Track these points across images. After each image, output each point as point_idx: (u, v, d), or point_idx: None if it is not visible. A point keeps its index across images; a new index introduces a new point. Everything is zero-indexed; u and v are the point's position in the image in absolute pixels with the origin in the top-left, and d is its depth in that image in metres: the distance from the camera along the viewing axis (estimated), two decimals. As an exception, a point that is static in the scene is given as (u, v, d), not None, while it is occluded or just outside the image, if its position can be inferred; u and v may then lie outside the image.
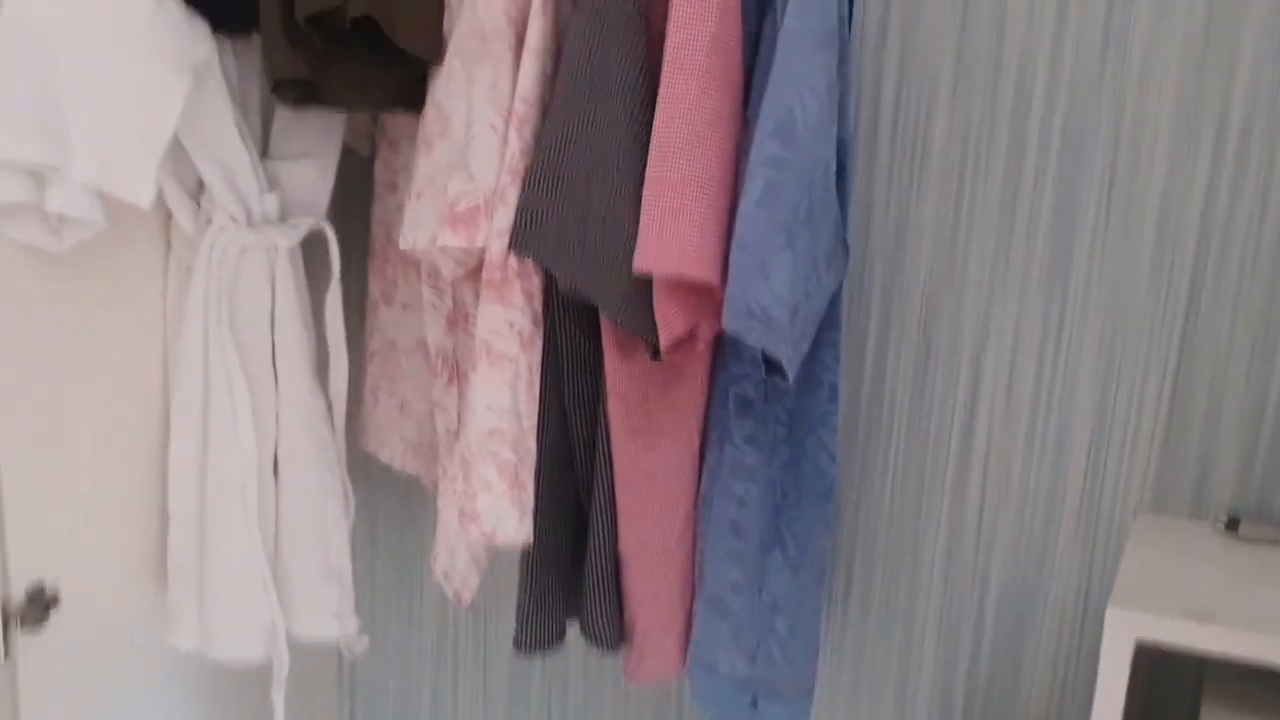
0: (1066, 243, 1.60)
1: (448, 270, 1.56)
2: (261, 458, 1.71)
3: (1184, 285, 1.56)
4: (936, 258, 1.66)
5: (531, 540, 1.60)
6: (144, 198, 1.46)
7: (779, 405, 1.59)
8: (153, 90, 1.45)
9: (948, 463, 1.72)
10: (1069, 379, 1.64)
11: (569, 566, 1.70)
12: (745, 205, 1.37)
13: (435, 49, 1.52)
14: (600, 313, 1.50)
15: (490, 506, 1.57)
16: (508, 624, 2.09)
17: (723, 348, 1.56)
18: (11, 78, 1.38)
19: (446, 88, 1.51)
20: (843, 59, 1.43)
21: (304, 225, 1.70)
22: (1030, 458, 1.68)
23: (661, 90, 1.37)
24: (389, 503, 2.13)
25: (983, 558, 1.73)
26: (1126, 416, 1.62)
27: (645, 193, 1.37)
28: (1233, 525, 1.56)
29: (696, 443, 1.60)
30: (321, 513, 1.78)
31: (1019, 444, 1.68)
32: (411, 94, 1.58)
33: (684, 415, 1.58)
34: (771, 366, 1.46)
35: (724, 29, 1.37)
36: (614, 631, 1.67)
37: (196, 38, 1.47)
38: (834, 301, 1.54)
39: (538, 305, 1.54)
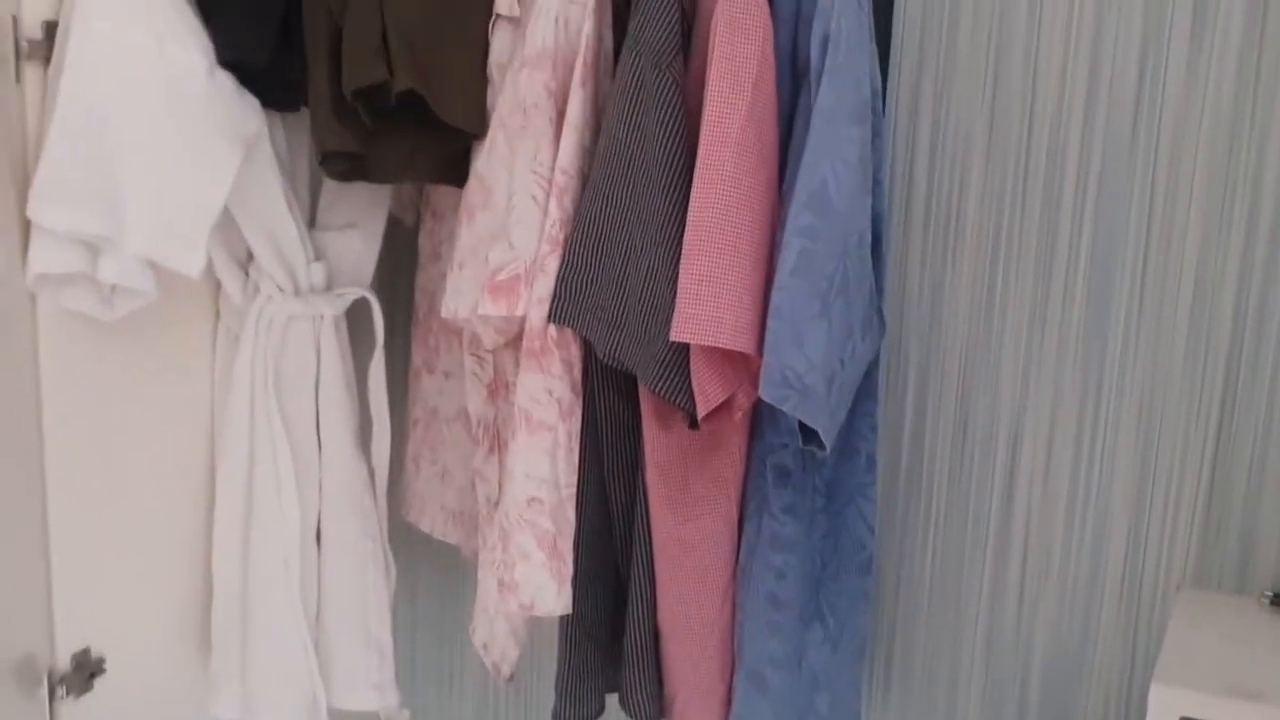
0: (1102, 314, 1.60)
1: (489, 339, 1.58)
2: (304, 526, 1.73)
3: (1221, 357, 1.56)
4: (972, 330, 1.67)
5: (570, 612, 1.60)
6: (194, 268, 1.49)
7: (817, 475, 1.59)
8: (204, 163, 1.49)
9: (988, 537, 1.71)
10: (1108, 452, 1.63)
11: (609, 639, 1.70)
12: (780, 274, 1.38)
13: (479, 123, 1.56)
14: (639, 382, 1.52)
15: (529, 577, 1.57)
16: (548, 696, 2.08)
17: (760, 417, 1.57)
18: (68, 150, 1.42)
19: (489, 160, 1.54)
20: (876, 133, 1.45)
21: (349, 294, 1.73)
22: (1071, 532, 1.66)
23: (698, 162, 1.39)
24: (429, 573, 2.14)
25: (1025, 634, 1.72)
26: (1167, 491, 1.61)
27: (682, 263, 1.39)
28: (1277, 601, 1.54)
29: (735, 513, 1.60)
30: (363, 582, 1.79)
31: (1059, 518, 1.67)
32: (455, 167, 1.61)
33: (722, 485, 1.59)
34: (808, 436, 1.46)
35: (759, 103, 1.39)
36: (653, 705, 1.67)
37: (247, 112, 1.51)
38: (870, 372, 1.55)
39: (577, 374, 1.56)
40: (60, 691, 1.57)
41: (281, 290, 1.66)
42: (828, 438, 1.42)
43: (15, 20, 1.43)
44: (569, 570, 1.59)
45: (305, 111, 1.56)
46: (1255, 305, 1.53)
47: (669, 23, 1.42)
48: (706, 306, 1.38)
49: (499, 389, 1.67)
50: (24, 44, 1.43)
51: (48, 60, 1.45)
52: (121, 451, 1.62)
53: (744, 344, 1.39)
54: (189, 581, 1.74)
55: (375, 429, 1.79)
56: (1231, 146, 1.52)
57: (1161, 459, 1.60)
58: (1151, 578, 1.63)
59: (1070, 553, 1.67)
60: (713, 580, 1.60)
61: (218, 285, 1.70)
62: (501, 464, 1.69)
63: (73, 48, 1.40)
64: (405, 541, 1.99)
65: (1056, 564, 1.68)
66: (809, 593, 1.61)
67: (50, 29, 1.45)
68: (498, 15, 1.55)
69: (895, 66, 1.64)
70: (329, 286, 1.72)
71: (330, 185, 1.71)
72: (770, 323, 1.39)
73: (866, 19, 1.41)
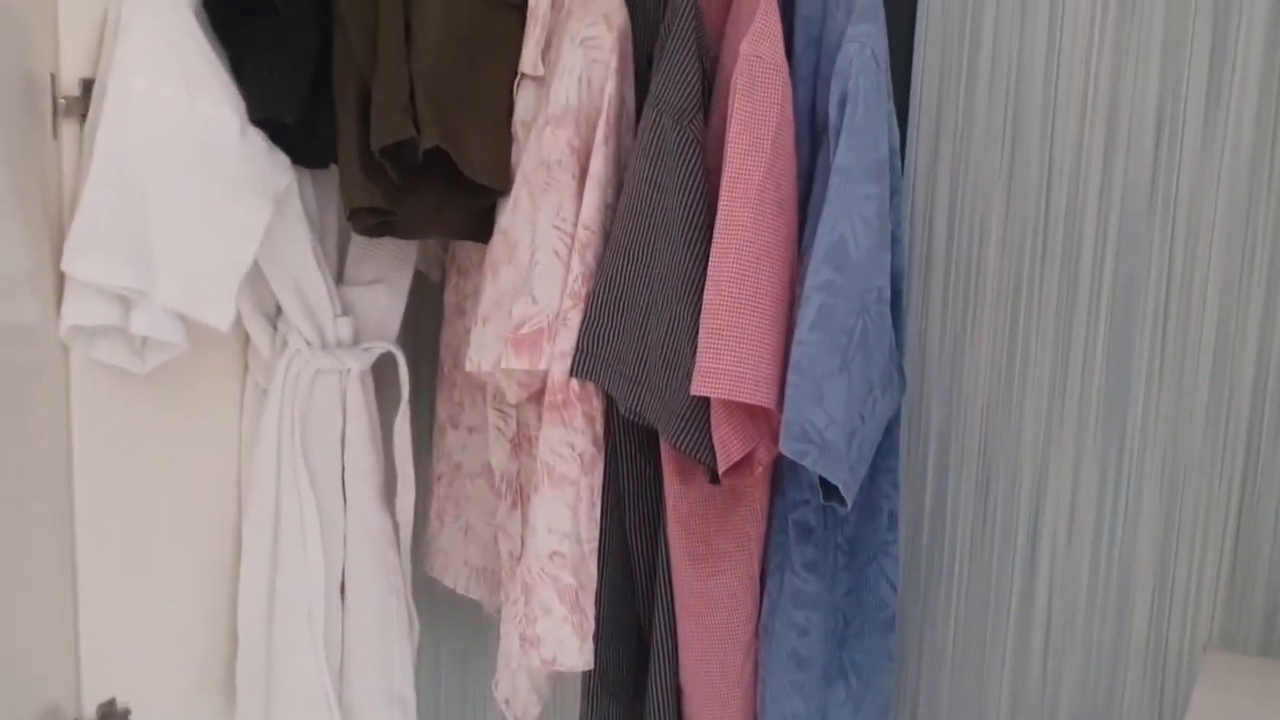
0: (1123, 371, 1.60)
1: (512, 393, 1.59)
2: (329, 580, 1.73)
3: (1244, 415, 1.55)
4: (994, 387, 1.67)
5: (592, 667, 1.59)
6: (224, 321, 1.51)
7: (839, 532, 1.59)
8: (235, 219, 1.52)
9: (1012, 596, 1.70)
10: (1131, 510, 1.62)
11: (631, 695, 1.69)
12: (800, 330, 1.39)
13: (503, 179, 1.58)
14: (660, 436, 1.52)
15: (551, 631, 1.57)
16: (570, 755, 2.08)
17: (781, 474, 1.57)
18: (103, 204, 1.45)
19: (513, 216, 1.56)
20: (894, 190, 1.47)
21: (375, 349, 1.75)
22: (1095, 592, 1.65)
23: (718, 218, 1.40)
24: (452, 628, 2.14)
25: (1050, 696, 1.70)
26: (1191, 551, 1.60)
27: (702, 317, 1.40)
28: (1304, 663, 1.53)
29: (757, 570, 1.60)
30: (386, 636, 1.79)
31: (1083, 577, 1.66)
32: (480, 223, 1.63)
33: (744, 541, 1.58)
34: (829, 492, 1.46)
35: (778, 160, 1.41)
36: (676, 765, 1.66)
37: (278, 169, 1.54)
38: (891, 429, 1.55)
39: (599, 428, 1.56)
40: (86, 741, 1.58)
41: (309, 344, 1.68)
42: (848, 494, 1.42)
43: (54, 77, 1.46)
44: (591, 625, 1.59)
45: (334, 168, 1.59)
46: (1277, 361, 1.53)
47: (690, 82, 1.45)
48: (727, 361, 1.39)
49: (522, 443, 1.68)
50: (61, 100, 1.47)
51: (84, 117, 1.49)
52: (149, 503, 1.64)
53: (764, 398, 1.40)
54: (214, 633, 1.75)
55: (399, 483, 1.80)
56: (1250, 203, 1.52)
57: (1185, 518, 1.59)
58: (1177, 639, 1.62)
59: (1094, 613, 1.66)
60: (735, 637, 1.60)
61: (246, 339, 1.73)
62: (524, 519, 1.69)
63: (109, 104, 1.43)
64: (428, 596, 2.00)
65: (1081, 624, 1.67)
66: (832, 651, 1.61)
67: (87, 86, 1.49)
68: (522, 74, 1.58)
69: (914, 124, 1.66)
70: (355, 341, 1.74)
71: (358, 241, 1.73)
72: (790, 377, 1.39)
73: (885, 78, 1.43)
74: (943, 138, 1.65)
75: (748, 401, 1.40)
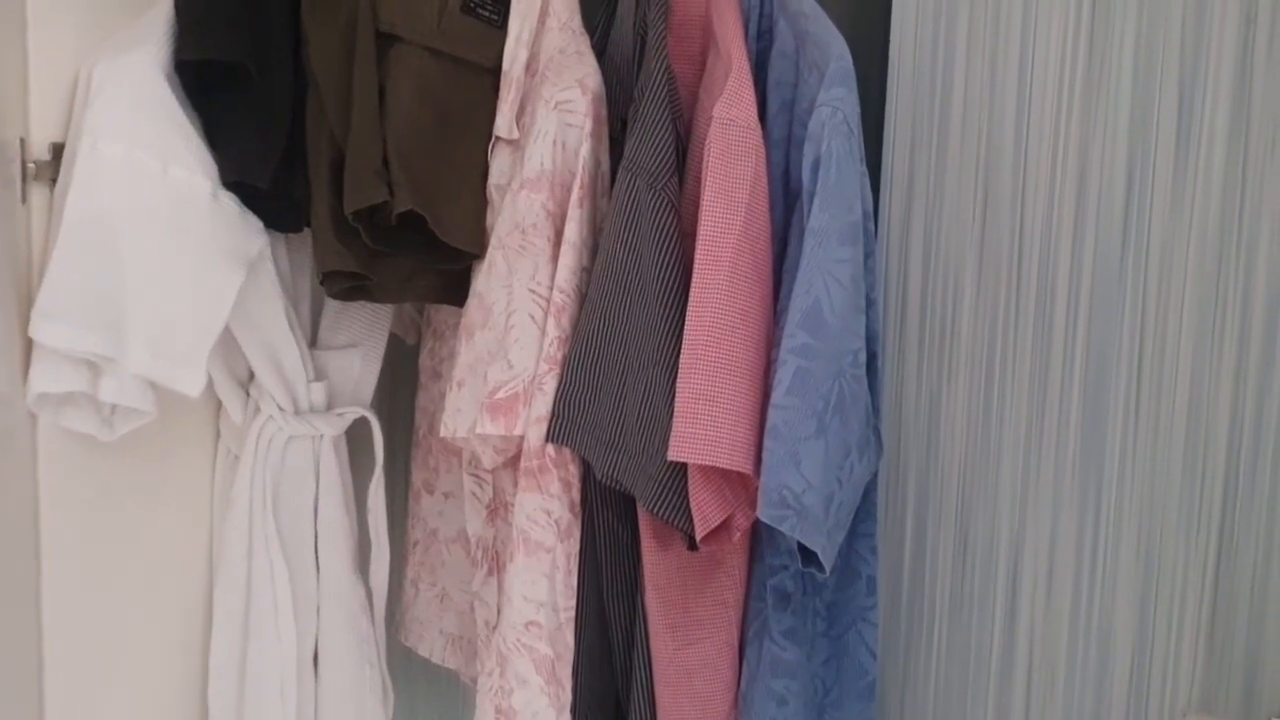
0: (1098, 431, 1.60)
1: (488, 458, 1.58)
2: (301, 650, 1.71)
3: (1219, 476, 1.55)
4: (970, 449, 1.66)
5: (569, 741, 1.57)
6: (195, 387, 1.50)
7: (817, 598, 1.57)
8: (207, 283, 1.51)
9: (991, 660, 1.68)
10: (1109, 572, 1.61)
11: (609, 770, 1.67)
12: (776, 394, 1.38)
13: (478, 243, 1.57)
14: (637, 502, 1.51)
15: (527, 703, 1.55)
16: (547, 829, 2.04)
17: (759, 540, 1.56)
18: (72, 270, 1.44)
19: (488, 279, 1.55)
20: (868, 252, 1.47)
21: (349, 414, 1.73)
22: (1074, 656, 1.64)
23: (693, 282, 1.40)
24: (427, 699, 2.11)
25: (1032, 763, 1.68)
26: (1170, 613, 1.58)
27: (678, 382, 1.39)
28: (1287, 728, 1.51)
29: (736, 637, 1.58)
30: (360, 708, 1.77)
31: (1062, 642, 1.64)
32: (456, 287, 1.63)
33: (722, 608, 1.57)
34: (807, 558, 1.45)
35: (752, 223, 1.41)
36: (655, 840, 1.63)
37: (250, 233, 1.53)
38: (869, 493, 1.54)
39: (575, 494, 1.55)
40: (51, 821, 1.55)
41: (282, 410, 1.67)
42: (826, 559, 1.41)
43: (23, 142, 1.46)
44: (568, 697, 1.57)
45: (308, 232, 1.58)
46: (1250, 420, 1.53)
47: (664, 145, 1.45)
48: (703, 426, 1.38)
49: (498, 509, 1.67)
50: (31, 165, 1.46)
51: (54, 182, 1.48)
52: (118, 571, 1.61)
53: (741, 463, 1.39)
54: (185, 705, 1.72)
55: (374, 551, 1.78)
56: (1220, 259, 1.53)
57: (1163, 579, 1.59)
58: (1157, 703, 1.60)
59: (1074, 676, 1.64)
60: (714, 707, 1.58)
61: (218, 405, 1.71)
62: (500, 587, 1.68)
63: (79, 169, 1.42)
64: (403, 666, 1.97)
65: (1061, 689, 1.65)
66: (812, 720, 1.59)
67: (57, 150, 1.48)
68: (497, 138, 1.58)
69: (886, 187, 1.66)
70: (329, 406, 1.73)
71: (332, 305, 1.72)
72: (767, 442, 1.38)
73: (857, 142, 1.43)
74: (914, 200, 1.66)
75: (725, 466, 1.39)
